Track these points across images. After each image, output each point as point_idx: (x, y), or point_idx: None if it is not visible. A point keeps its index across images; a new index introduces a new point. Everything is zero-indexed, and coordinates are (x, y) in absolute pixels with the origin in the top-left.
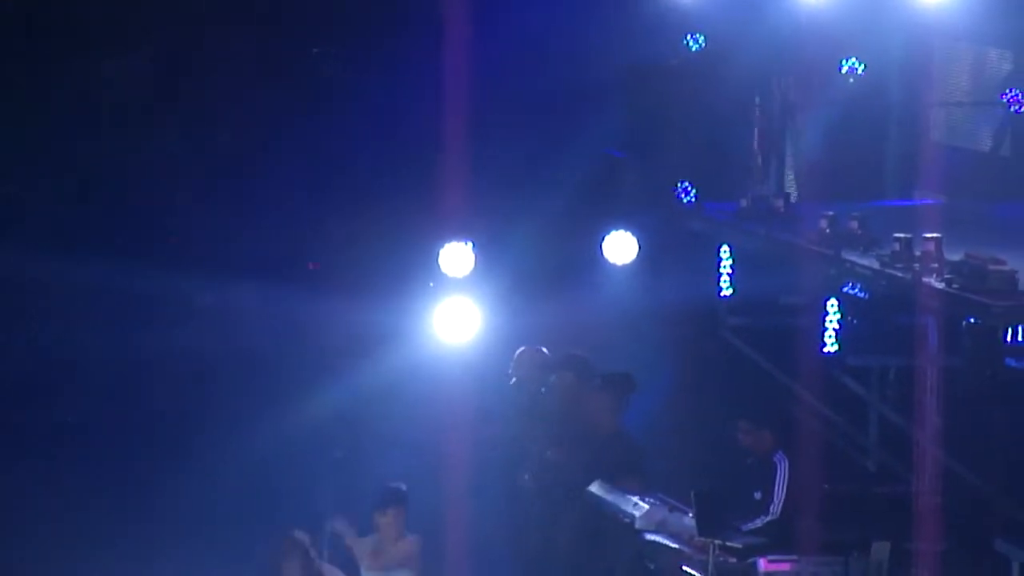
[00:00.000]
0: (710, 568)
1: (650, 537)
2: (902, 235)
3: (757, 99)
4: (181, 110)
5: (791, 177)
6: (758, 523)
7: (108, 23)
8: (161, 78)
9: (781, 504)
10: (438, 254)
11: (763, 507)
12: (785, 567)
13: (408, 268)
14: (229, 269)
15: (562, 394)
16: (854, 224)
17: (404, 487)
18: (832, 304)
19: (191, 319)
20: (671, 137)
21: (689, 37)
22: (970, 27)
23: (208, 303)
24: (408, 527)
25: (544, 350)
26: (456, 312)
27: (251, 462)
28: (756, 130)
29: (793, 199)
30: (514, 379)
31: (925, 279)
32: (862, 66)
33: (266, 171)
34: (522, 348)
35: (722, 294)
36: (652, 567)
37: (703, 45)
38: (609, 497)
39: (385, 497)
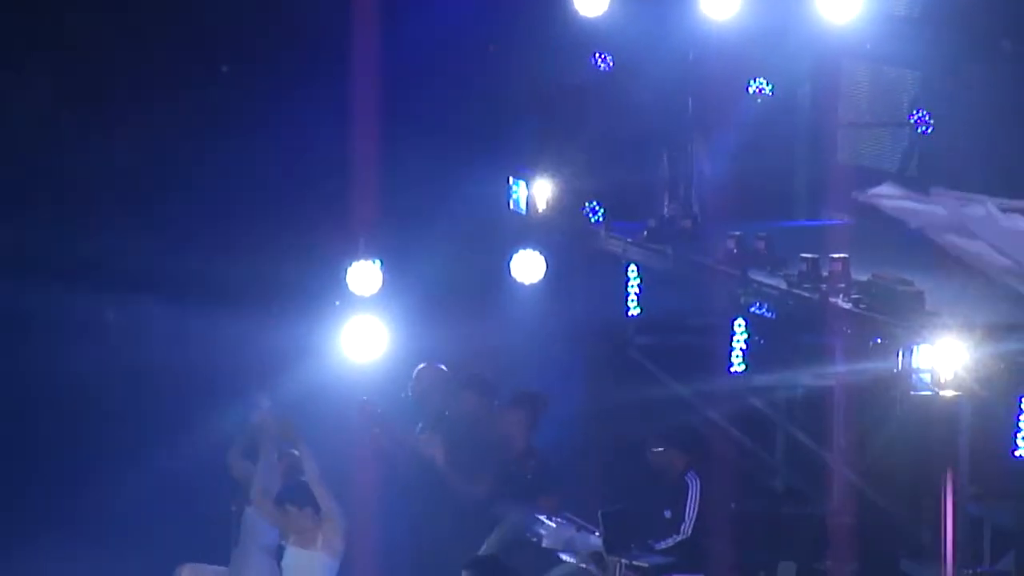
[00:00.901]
0: None
1: (558, 556)
2: (809, 255)
3: (665, 119)
4: (85, 125)
5: (699, 197)
6: (668, 542)
7: (8, 36)
8: (64, 92)
9: (692, 524)
10: (345, 272)
11: (673, 526)
12: None
13: (315, 286)
14: (134, 286)
15: (465, 414)
16: (761, 244)
17: None
18: (739, 324)
19: (96, 336)
20: (579, 156)
21: (597, 57)
22: (878, 48)
23: (113, 320)
24: None
25: (443, 367)
26: (363, 330)
27: (157, 480)
28: (664, 150)
29: (701, 219)
30: (412, 395)
31: (832, 299)
32: (770, 86)
33: (173, 188)
34: (421, 365)
35: (630, 314)
36: None
37: (611, 65)
38: (516, 516)
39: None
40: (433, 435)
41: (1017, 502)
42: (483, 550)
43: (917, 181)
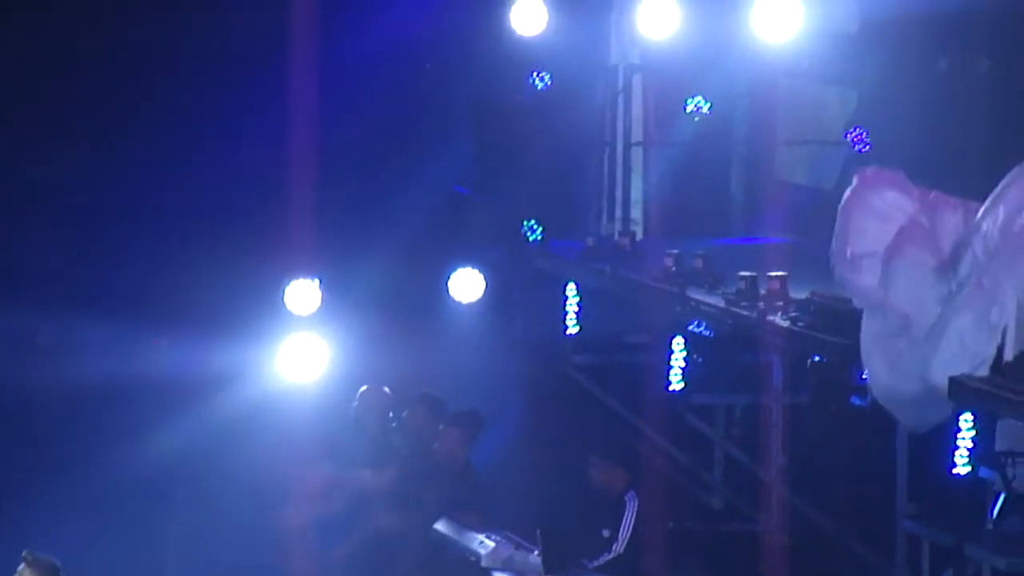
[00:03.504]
0: None
1: (496, 574)
2: (747, 273)
3: (603, 137)
4: (18, 143)
5: (637, 215)
6: (601, 560)
7: None
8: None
9: (626, 542)
10: (284, 291)
11: (610, 545)
12: None
13: (253, 305)
14: (71, 305)
15: (412, 431)
16: (699, 262)
17: None
18: (678, 342)
19: (31, 355)
20: (517, 175)
21: (535, 75)
22: (816, 66)
23: (49, 340)
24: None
25: (386, 389)
26: (302, 350)
27: (92, 499)
28: (602, 168)
29: (639, 237)
30: (354, 416)
31: (770, 317)
32: (708, 104)
33: (109, 207)
34: (364, 387)
35: (568, 332)
36: None
37: (549, 84)
38: (455, 534)
39: None
40: (382, 471)
41: (955, 519)
42: (415, 572)
43: None
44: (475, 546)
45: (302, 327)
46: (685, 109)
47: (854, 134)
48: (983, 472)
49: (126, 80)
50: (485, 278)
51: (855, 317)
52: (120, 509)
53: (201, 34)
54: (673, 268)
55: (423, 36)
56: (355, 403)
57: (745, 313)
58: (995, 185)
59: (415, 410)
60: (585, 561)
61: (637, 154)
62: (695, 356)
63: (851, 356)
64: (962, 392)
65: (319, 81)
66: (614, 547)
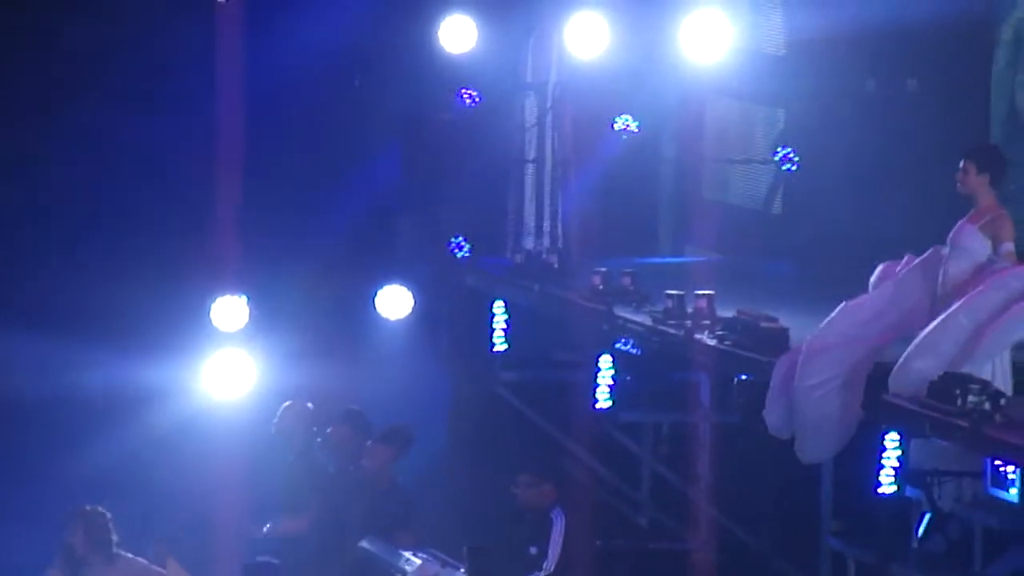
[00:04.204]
0: None
1: None
2: (675, 292)
3: (531, 155)
4: None
5: (565, 233)
6: None
7: None
8: None
9: (555, 560)
10: (211, 307)
11: (538, 562)
12: None
13: (180, 321)
14: None
15: (337, 447)
16: (627, 280)
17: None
18: (605, 360)
19: None
20: (445, 191)
21: (464, 92)
22: (744, 86)
23: None
24: None
25: (309, 404)
26: (228, 366)
27: (21, 511)
28: (531, 186)
29: (567, 255)
30: (277, 432)
31: (697, 336)
32: (636, 123)
33: (34, 222)
34: (287, 402)
35: (496, 349)
36: None
37: (477, 101)
38: (381, 552)
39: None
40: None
41: (881, 538)
42: None
43: (781, 217)
44: (401, 563)
45: (229, 343)
46: (613, 127)
47: (782, 153)
48: (909, 491)
49: (50, 96)
50: (413, 295)
51: (780, 335)
52: (48, 523)
53: (127, 51)
54: (601, 286)
55: (351, 52)
56: (277, 419)
57: (672, 331)
58: (921, 206)
59: (339, 427)
60: None
61: (565, 172)
62: (623, 374)
63: None
64: (888, 411)
65: (245, 96)
66: (544, 564)
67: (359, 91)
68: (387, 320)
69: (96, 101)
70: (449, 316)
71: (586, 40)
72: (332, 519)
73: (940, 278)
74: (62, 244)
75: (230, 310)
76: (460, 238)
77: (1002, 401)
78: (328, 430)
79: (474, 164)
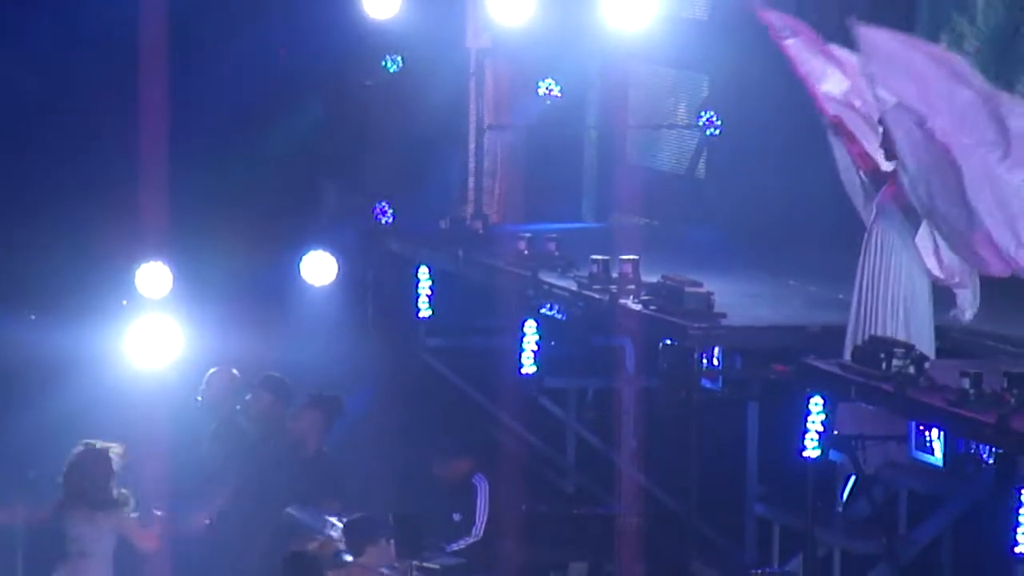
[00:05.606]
0: None
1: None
2: (600, 257)
3: (454, 120)
4: None
5: (490, 199)
6: (460, 544)
7: None
8: None
9: (483, 525)
10: (135, 274)
11: (465, 528)
12: None
13: (103, 288)
14: None
15: (258, 414)
16: (551, 246)
17: None
18: (530, 325)
19: None
20: (370, 157)
21: (388, 58)
22: (667, 52)
23: None
24: None
25: (235, 371)
26: (152, 334)
27: None
28: (454, 151)
29: (491, 220)
30: (203, 400)
31: (622, 301)
32: (559, 88)
33: None
34: (213, 369)
35: (421, 315)
36: None
37: (401, 66)
38: (307, 518)
39: None
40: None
41: (805, 503)
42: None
43: (704, 182)
44: (327, 530)
45: (153, 310)
46: (537, 92)
47: (705, 118)
48: (833, 455)
49: None
50: (337, 261)
51: (704, 300)
52: None
53: (52, 15)
54: (526, 251)
55: (276, 19)
56: (203, 386)
57: (597, 296)
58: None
59: (258, 393)
60: (442, 544)
61: (489, 137)
62: (548, 339)
63: (701, 340)
64: (812, 375)
65: (170, 63)
66: (473, 530)
67: (284, 58)
68: (312, 286)
69: (23, 69)
70: (374, 282)
71: (511, 5)
72: (255, 486)
73: None
74: None
75: (154, 277)
76: (384, 204)
77: (926, 365)
78: (247, 396)
79: (398, 130)
